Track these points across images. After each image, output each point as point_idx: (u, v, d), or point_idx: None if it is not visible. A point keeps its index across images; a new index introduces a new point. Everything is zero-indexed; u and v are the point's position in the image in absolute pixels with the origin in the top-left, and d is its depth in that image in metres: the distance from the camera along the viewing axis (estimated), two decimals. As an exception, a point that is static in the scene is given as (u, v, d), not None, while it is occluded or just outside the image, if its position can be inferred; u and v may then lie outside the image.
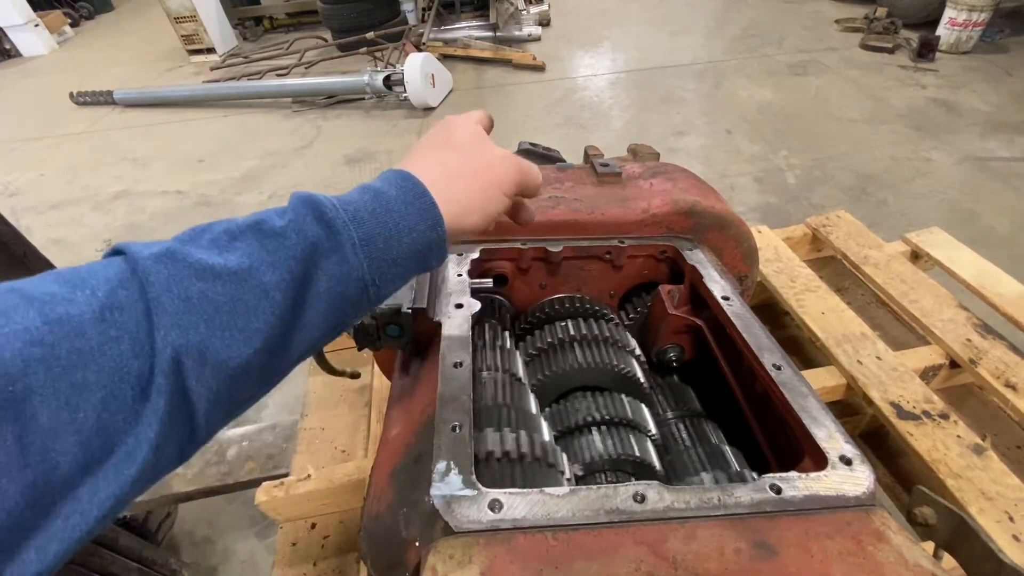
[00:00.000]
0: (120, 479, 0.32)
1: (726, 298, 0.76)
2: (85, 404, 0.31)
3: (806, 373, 1.12)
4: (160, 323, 0.35)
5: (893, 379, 1.05)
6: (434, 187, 0.50)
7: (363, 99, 4.26)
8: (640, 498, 0.50)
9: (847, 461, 0.54)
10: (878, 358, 1.10)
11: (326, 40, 5.21)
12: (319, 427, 1.24)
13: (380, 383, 1.22)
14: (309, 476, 0.99)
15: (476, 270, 0.82)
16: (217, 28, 5.56)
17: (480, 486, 0.50)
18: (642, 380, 0.76)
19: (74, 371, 0.31)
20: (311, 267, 0.42)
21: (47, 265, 1.48)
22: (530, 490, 0.50)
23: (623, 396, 0.74)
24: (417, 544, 0.49)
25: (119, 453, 0.33)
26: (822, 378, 1.11)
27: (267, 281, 0.39)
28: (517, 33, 5.17)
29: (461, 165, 0.53)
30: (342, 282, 0.43)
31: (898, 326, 1.32)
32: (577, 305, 0.85)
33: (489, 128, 0.62)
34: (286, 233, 0.41)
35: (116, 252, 0.39)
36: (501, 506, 0.49)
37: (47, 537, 0.30)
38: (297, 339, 0.42)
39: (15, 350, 0.29)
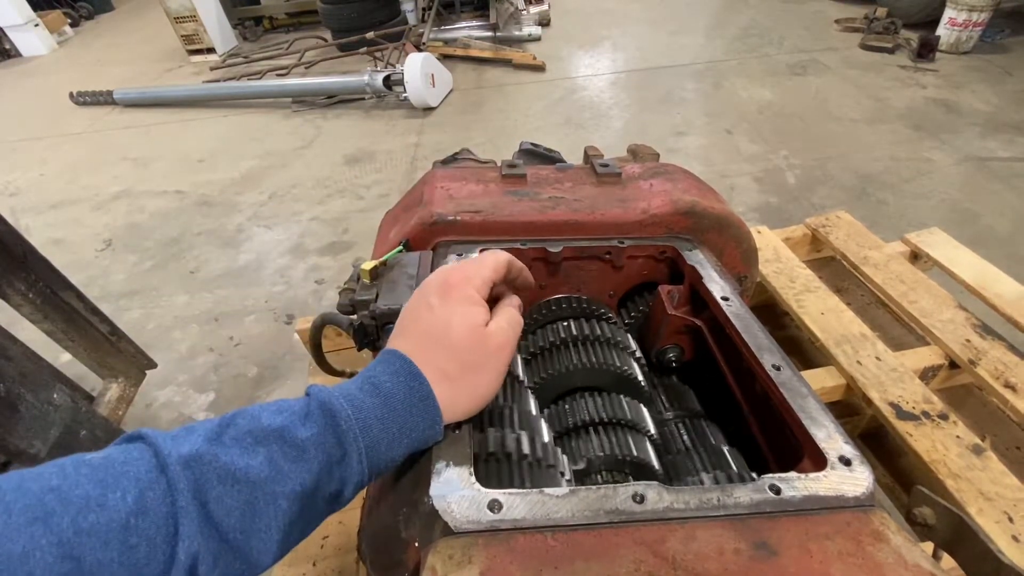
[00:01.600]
0: None
1: (726, 298, 0.76)
2: None
3: (806, 373, 1.12)
4: (184, 532, 0.36)
5: (892, 379, 1.05)
6: (437, 386, 0.51)
7: (363, 99, 4.26)
8: (639, 498, 0.50)
9: (846, 461, 0.54)
10: (877, 358, 1.10)
11: (326, 40, 5.21)
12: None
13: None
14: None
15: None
16: (217, 28, 5.56)
17: (480, 486, 0.50)
18: (641, 381, 0.76)
19: None
20: (322, 479, 0.45)
21: (47, 265, 1.48)
22: (530, 490, 0.50)
23: (623, 397, 0.74)
24: (417, 544, 0.49)
25: None
26: (821, 378, 1.11)
27: (280, 491, 0.42)
28: (517, 33, 5.17)
29: (464, 366, 0.53)
30: (341, 485, 0.46)
31: (898, 326, 1.32)
32: (576, 305, 0.86)
33: (506, 275, 0.62)
34: (307, 447, 0.44)
35: (138, 437, 0.41)
36: (501, 506, 0.49)
37: None
38: (294, 536, 0.45)
39: (47, 566, 0.31)
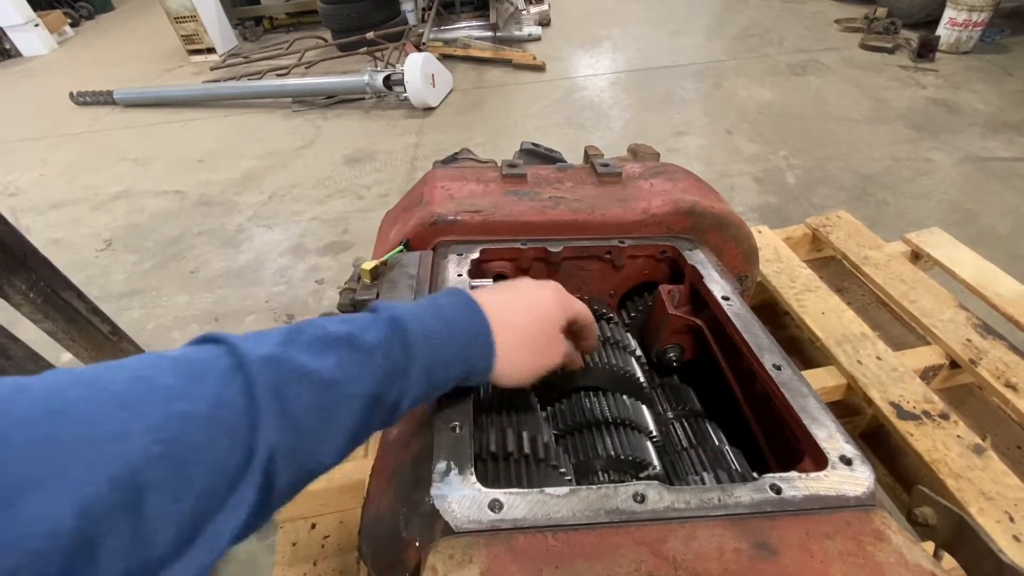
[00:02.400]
0: (201, 562, 0.35)
1: (726, 298, 0.76)
2: (187, 496, 0.34)
3: (806, 373, 1.12)
4: (263, 424, 0.38)
5: (893, 379, 1.05)
6: (501, 342, 0.55)
7: (363, 99, 4.26)
8: (640, 498, 0.50)
9: (847, 461, 0.54)
10: (878, 358, 1.10)
11: (326, 40, 5.21)
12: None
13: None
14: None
15: (476, 270, 0.82)
16: (217, 28, 5.55)
17: (480, 486, 0.50)
18: (642, 380, 0.76)
19: (184, 466, 0.34)
20: (384, 386, 0.47)
21: (48, 265, 1.48)
22: (530, 490, 0.50)
23: (623, 396, 0.74)
24: (417, 544, 0.49)
25: (205, 536, 0.35)
26: (822, 378, 1.11)
27: (350, 393, 0.44)
28: (517, 33, 5.16)
29: (528, 341, 0.57)
30: (399, 396, 0.48)
31: (898, 326, 1.32)
32: (577, 305, 0.85)
33: (584, 327, 0.65)
34: (374, 353, 0.46)
35: (212, 339, 0.42)
36: (501, 506, 0.49)
37: None
38: (357, 442, 0.47)
39: (141, 447, 0.33)
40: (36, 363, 1.52)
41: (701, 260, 0.83)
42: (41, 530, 0.28)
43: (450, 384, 0.53)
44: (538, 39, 5.17)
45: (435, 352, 0.50)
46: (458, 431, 0.55)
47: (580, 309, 0.64)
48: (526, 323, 0.57)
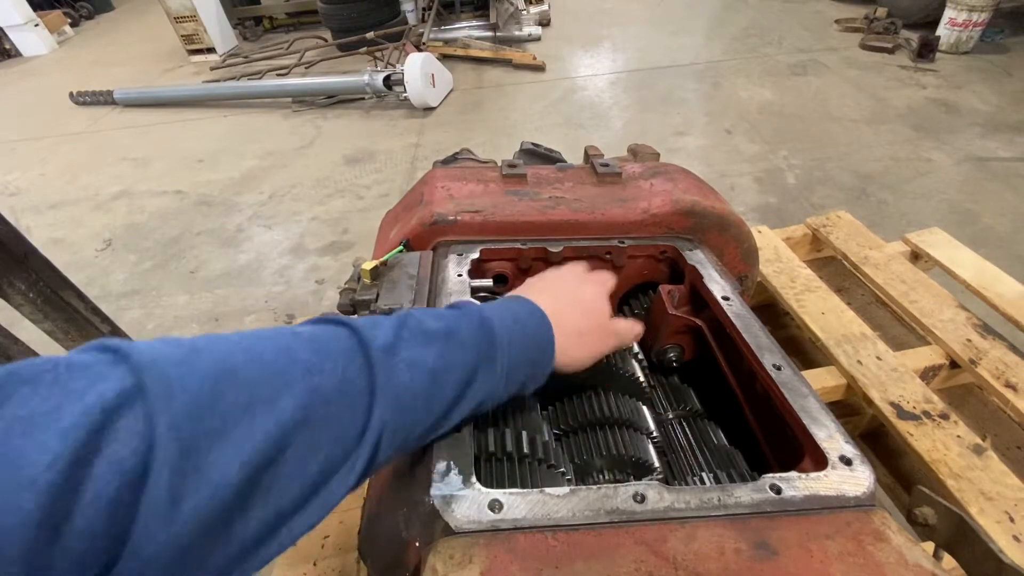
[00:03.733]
0: (312, 520, 0.40)
1: (726, 298, 0.76)
2: (313, 460, 0.39)
3: (806, 373, 1.12)
4: (378, 403, 0.43)
5: (893, 379, 1.05)
6: (563, 337, 0.59)
7: (363, 99, 4.26)
8: (640, 498, 0.50)
9: (847, 461, 0.54)
10: (878, 358, 1.10)
11: (326, 40, 5.21)
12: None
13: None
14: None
15: (476, 270, 0.82)
16: (217, 28, 5.55)
17: (480, 486, 0.50)
18: (642, 380, 0.76)
19: (318, 433, 0.39)
20: (473, 380, 0.51)
21: (48, 265, 1.48)
22: (530, 490, 0.50)
23: (623, 396, 0.74)
24: (417, 544, 0.49)
25: (320, 496, 0.40)
26: (822, 378, 1.11)
27: (449, 380, 0.49)
28: (517, 33, 5.16)
29: (584, 329, 0.63)
30: (483, 395, 0.52)
31: (898, 326, 1.32)
32: (577, 305, 0.85)
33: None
34: (468, 344, 0.51)
35: (338, 322, 0.47)
36: (501, 506, 0.49)
37: (263, 553, 0.37)
38: (437, 429, 0.51)
39: (288, 413, 0.37)
40: (36, 363, 1.51)
41: (701, 260, 0.83)
42: (215, 478, 0.32)
43: (517, 385, 0.56)
44: (538, 39, 5.17)
45: (515, 353, 0.54)
46: (458, 431, 0.55)
47: (613, 280, 0.71)
48: (577, 322, 0.62)
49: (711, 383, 0.81)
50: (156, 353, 0.34)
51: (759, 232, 1.46)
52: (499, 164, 1.02)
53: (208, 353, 0.37)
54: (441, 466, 0.52)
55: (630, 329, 0.69)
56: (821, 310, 1.22)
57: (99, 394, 0.31)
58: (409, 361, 0.46)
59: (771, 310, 1.40)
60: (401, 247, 0.84)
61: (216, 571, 0.34)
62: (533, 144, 1.25)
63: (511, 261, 0.87)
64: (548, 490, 0.50)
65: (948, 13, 3.99)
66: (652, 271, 0.91)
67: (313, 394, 0.39)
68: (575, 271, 0.70)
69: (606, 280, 0.71)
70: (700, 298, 0.81)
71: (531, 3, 5.52)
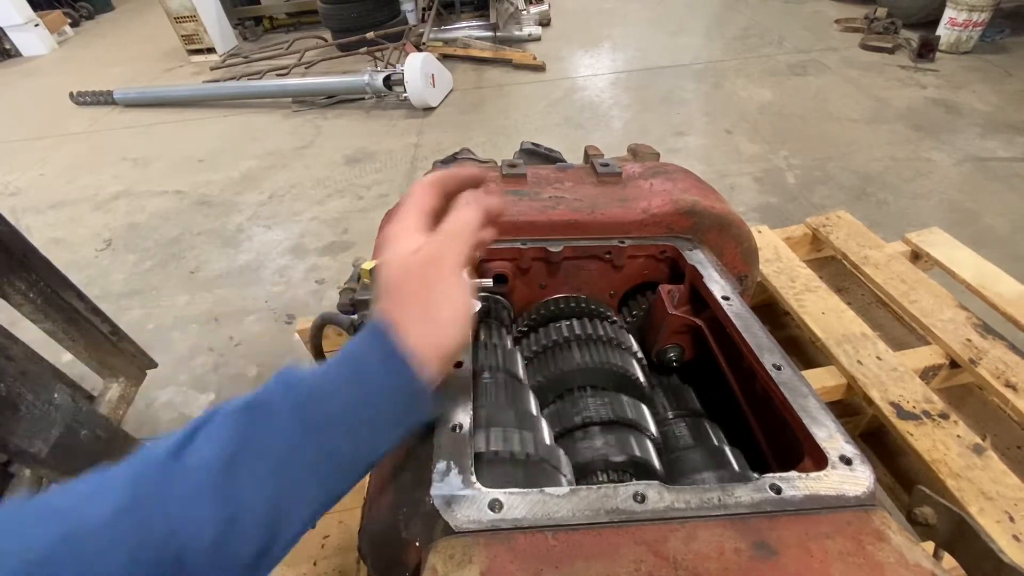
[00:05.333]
0: None
1: (726, 298, 0.76)
2: None
3: (806, 373, 1.12)
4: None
5: (893, 379, 1.05)
6: (412, 337, 0.48)
7: (363, 99, 4.26)
8: (640, 498, 0.50)
9: (847, 461, 0.54)
10: (878, 358, 1.10)
11: (326, 40, 5.21)
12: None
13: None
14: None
15: (476, 270, 0.82)
16: (217, 28, 5.55)
17: (480, 486, 0.50)
18: (642, 380, 0.76)
19: None
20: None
21: (48, 265, 1.48)
22: (530, 490, 0.50)
23: (623, 396, 0.74)
24: (417, 544, 0.49)
25: None
26: (822, 378, 1.11)
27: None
28: (517, 33, 5.17)
29: (414, 306, 0.49)
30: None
31: (898, 326, 1.32)
32: (577, 305, 0.85)
33: (444, 191, 0.58)
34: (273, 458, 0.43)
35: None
36: (501, 506, 0.49)
37: None
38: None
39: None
40: (36, 363, 1.52)
41: (701, 260, 0.83)
42: None
43: (391, 427, 0.47)
44: (538, 39, 5.17)
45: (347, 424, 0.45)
46: (458, 431, 0.55)
47: (415, 200, 0.55)
48: (404, 293, 0.49)
49: (711, 383, 0.81)
50: None
51: (759, 232, 1.46)
52: (499, 164, 1.02)
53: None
54: (441, 466, 0.52)
55: (447, 242, 0.52)
56: (821, 310, 1.22)
57: None
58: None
59: (771, 310, 1.40)
60: (401, 247, 0.84)
61: None
62: (533, 144, 1.25)
63: (511, 261, 0.87)
64: (548, 490, 0.50)
65: (948, 13, 3.99)
66: (652, 271, 0.91)
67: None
68: (400, 227, 0.54)
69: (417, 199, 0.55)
70: (700, 298, 0.81)
71: (531, 3, 5.52)
